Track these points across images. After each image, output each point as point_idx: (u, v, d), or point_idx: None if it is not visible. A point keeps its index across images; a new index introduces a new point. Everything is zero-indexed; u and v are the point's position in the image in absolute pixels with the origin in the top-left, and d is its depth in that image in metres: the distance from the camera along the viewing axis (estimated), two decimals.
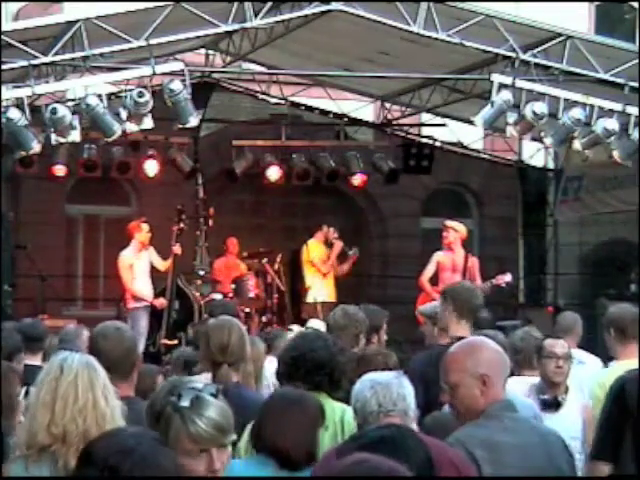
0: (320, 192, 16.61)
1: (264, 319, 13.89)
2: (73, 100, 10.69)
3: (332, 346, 5.20)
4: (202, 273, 13.81)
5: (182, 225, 13.03)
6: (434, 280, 13.01)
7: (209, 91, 15.53)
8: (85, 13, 10.64)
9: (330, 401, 4.90)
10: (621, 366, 5.91)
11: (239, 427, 4.37)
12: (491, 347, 4.14)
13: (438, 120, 16.05)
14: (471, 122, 12.26)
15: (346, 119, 16.19)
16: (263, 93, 16.04)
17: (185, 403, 3.17)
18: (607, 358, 7.06)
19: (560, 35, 11.80)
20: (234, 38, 13.34)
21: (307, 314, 13.14)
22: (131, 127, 10.90)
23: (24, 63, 10.40)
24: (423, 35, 11.52)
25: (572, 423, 5.89)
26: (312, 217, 15.92)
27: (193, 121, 11.07)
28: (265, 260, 14.28)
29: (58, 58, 10.60)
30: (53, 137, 10.57)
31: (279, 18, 11.45)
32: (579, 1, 17.73)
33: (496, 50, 11.81)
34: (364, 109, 16.29)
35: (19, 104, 10.23)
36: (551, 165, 16.99)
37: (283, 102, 16.02)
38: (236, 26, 11.28)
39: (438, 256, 13.24)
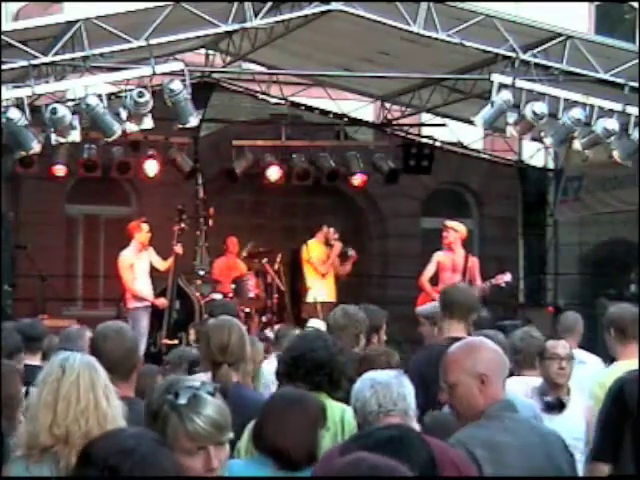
0: (320, 192, 16.62)
1: (264, 319, 13.90)
2: (73, 100, 10.69)
3: (332, 346, 5.20)
4: (202, 273, 13.81)
5: (183, 225, 13.03)
6: (434, 280, 13.01)
7: (209, 91, 15.54)
8: (85, 13, 10.64)
9: (330, 401, 4.90)
10: (621, 366, 5.91)
11: (239, 427, 4.38)
12: (490, 347, 4.15)
13: (438, 120, 16.05)
14: (471, 122, 12.26)
15: (346, 119, 16.20)
16: (263, 93, 16.05)
17: (182, 401, 3.18)
18: (607, 358, 7.05)
19: (560, 35, 11.80)
20: (234, 38, 13.34)
21: (307, 314, 13.13)
22: (131, 127, 10.90)
23: (24, 63, 10.40)
24: (423, 35, 11.52)
25: (576, 424, 5.87)
26: (312, 217, 15.92)
27: (193, 121, 11.07)
28: (265, 260, 14.29)
29: (58, 58, 10.61)
30: (53, 137, 10.57)
31: (279, 18, 11.45)
32: (579, 1, 17.73)
33: (496, 50, 11.81)
34: (364, 109, 16.30)
35: (19, 104, 10.23)
36: (551, 165, 17.00)
37: (283, 102, 16.02)
38: (236, 26, 11.28)
39: (438, 256, 13.24)
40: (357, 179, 16.06)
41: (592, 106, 11.62)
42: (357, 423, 4.15)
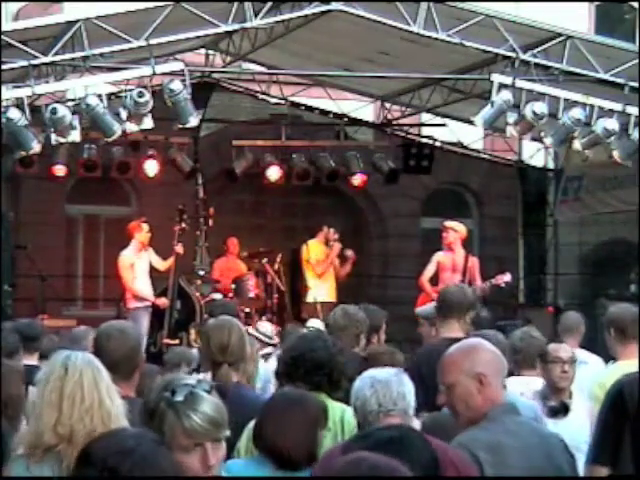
0: (320, 192, 16.62)
1: (264, 319, 13.88)
2: (73, 100, 10.69)
3: (331, 346, 5.20)
4: (202, 273, 13.80)
5: (184, 225, 13.03)
6: (434, 280, 13.01)
7: (209, 91, 15.54)
8: (85, 13, 10.64)
9: (330, 401, 4.90)
10: (621, 366, 5.90)
11: (239, 427, 4.39)
12: (488, 348, 4.15)
13: (438, 120, 16.05)
14: (471, 122, 12.26)
15: (346, 119, 16.19)
16: (263, 93, 16.05)
17: (179, 398, 3.19)
18: (608, 358, 7.03)
19: (560, 35, 11.80)
20: (234, 38, 13.34)
21: (307, 314, 13.14)
22: (131, 127, 10.90)
23: (24, 63, 10.40)
24: (423, 35, 11.52)
25: (581, 427, 5.81)
26: (312, 217, 15.93)
27: (193, 121, 11.08)
28: (265, 260, 14.28)
29: (58, 58, 10.61)
30: (53, 137, 10.57)
31: (279, 18, 11.45)
32: (579, 1, 17.73)
33: (496, 50, 11.81)
34: (364, 109, 16.30)
35: (19, 104, 10.23)
36: (551, 165, 16.99)
37: (283, 102, 16.02)
38: (236, 26, 11.28)
39: (438, 256, 13.24)
40: (357, 179, 16.06)
41: (592, 106, 11.62)
42: (357, 422, 4.15)
